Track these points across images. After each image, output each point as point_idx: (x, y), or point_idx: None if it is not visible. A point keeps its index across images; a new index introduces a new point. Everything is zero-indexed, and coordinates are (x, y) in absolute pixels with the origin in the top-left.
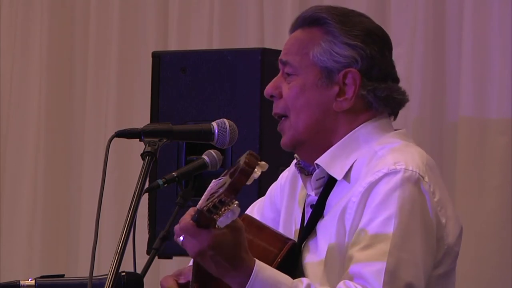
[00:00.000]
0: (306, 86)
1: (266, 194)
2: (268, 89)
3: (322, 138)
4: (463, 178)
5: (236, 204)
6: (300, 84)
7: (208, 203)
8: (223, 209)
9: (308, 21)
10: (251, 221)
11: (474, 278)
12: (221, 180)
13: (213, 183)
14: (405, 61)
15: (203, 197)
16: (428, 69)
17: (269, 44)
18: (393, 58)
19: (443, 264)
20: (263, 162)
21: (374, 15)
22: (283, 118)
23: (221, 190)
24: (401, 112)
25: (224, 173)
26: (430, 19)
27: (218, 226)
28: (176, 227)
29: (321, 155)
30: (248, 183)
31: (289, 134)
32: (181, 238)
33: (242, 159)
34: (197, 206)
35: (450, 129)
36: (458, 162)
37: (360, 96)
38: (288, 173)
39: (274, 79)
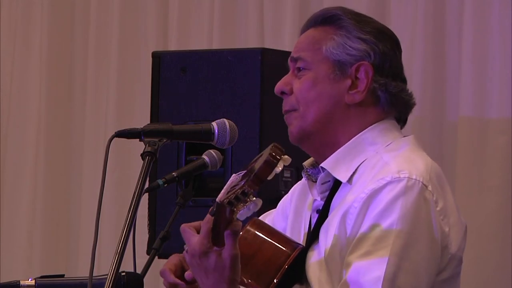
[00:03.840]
0: (318, 79)
1: (277, 206)
2: (279, 86)
3: (329, 131)
4: (463, 178)
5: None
6: (312, 78)
7: (229, 195)
8: (245, 201)
9: (321, 19)
10: (262, 225)
11: (474, 278)
12: (241, 174)
13: (233, 177)
14: (405, 61)
15: (222, 191)
16: (428, 69)
17: (269, 44)
18: None
19: (447, 270)
20: (286, 156)
21: (374, 15)
22: (290, 112)
23: (243, 182)
24: None
25: (244, 166)
26: (430, 19)
27: (237, 219)
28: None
29: (326, 151)
30: (269, 178)
31: (296, 124)
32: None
33: (267, 151)
34: (217, 199)
35: (450, 129)
36: (458, 162)
37: (371, 91)
38: (299, 185)
39: (285, 77)
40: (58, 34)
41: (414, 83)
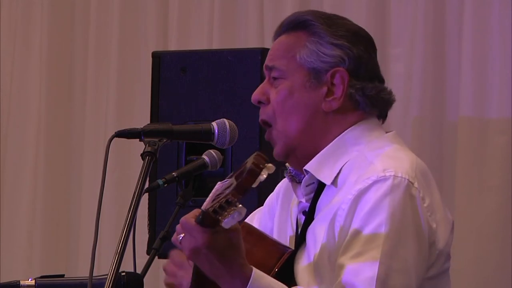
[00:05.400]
0: (294, 88)
1: (264, 205)
2: (255, 95)
3: (312, 141)
4: (463, 178)
5: (241, 205)
6: (288, 87)
7: (214, 204)
8: (229, 210)
9: (292, 25)
10: (251, 229)
11: (474, 278)
12: (226, 182)
13: (218, 185)
14: (405, 61)
15: (207, 199)
16: (428, 69)
17: (269, 44)
18: (393, 58)
19: (435, 266)
20: (270, 164)
21: (374, 15)
22: (268, 128)
23: (227, 191)
24: (401, 112)
25: (230, 175)
26: (430, 19)
27: (222, 227)
28: (178, 226)
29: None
30: (254, 185)
31: (280, 143)
32: (180, 236)
33: (250, 160)
34: (202, 207)
35: (450, 129)
36: (458, 162)
37: (348, 96)
38: (283, 183)
39: (261, 85)
40: (58, 34)
41: (414, 83)
